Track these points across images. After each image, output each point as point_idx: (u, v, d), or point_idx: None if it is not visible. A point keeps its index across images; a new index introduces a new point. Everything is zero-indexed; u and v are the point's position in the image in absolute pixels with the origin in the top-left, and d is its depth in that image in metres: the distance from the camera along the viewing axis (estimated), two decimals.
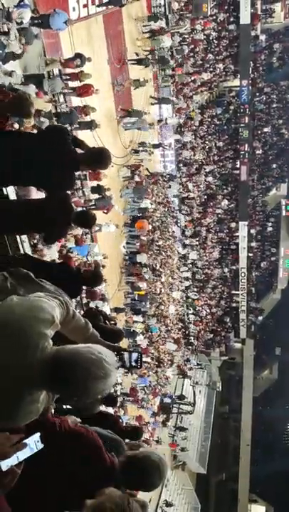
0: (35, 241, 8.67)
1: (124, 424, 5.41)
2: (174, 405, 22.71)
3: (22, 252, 4.35)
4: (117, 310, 16.00)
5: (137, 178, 17.80)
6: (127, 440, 3.23)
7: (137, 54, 17.55)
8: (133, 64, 17.06)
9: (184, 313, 25.93)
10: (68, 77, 11.19)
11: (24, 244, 4.56)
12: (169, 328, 22.29)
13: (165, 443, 21.12)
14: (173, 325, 23.18)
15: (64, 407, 4.74)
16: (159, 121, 20.67)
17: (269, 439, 32.55)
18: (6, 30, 8.35)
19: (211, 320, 28.59)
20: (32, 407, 1.39)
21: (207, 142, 25.21)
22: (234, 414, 31.53)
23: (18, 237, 4.53)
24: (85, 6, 12.60)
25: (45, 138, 3.01)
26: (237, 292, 29.04)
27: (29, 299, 1.54)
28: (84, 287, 4.55)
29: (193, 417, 24.72)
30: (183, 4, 20.40)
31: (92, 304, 11.59)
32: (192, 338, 26.67)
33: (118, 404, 13.60)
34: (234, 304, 29.75)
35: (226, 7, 22.88)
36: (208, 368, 28.70)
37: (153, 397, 19.19)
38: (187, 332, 26.18)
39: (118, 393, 14.77)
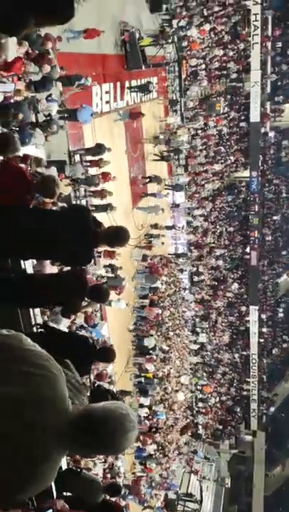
0: (46, 317, 8.70)
1: None
2: (180, 502, 21.04)
3: (39, 321, 4.39)
4: (122, 393, 15.49)
5: (148, 261, 18.20)
6: None
7: (160, 153, 19.11)
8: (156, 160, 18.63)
9: (192, 401, 24.92)
10: (88, 164, 11.93)
11: (37, 318, 4.60)
12: (177, 415, 21.34)
13: None
14: (181, 412, 22.20)
15: (64, 494, 4.49)
16: (172, 205, 21.60)
17: None
18: (34, 120, 9.12)
19: (220, 409, 27.36)
20: (51, 472, 1.39)
21: (218, 227, 25.95)
22: None
23: (31, 311, 4.59)
24: (107, 102, 13.90)
25: (68, 215, 3.20)
26: (248, 380, 28.08)
27: None
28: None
29: None
30: (197, 103, 22.15)
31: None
32: (200, 427, 25.38)
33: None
34: (245, 393, 28.62)
35: (237, 106, 24.73)
36: (216, 462, 26.90)
37: (158, 489, 17.94)
38: (195, 421, 24.96)
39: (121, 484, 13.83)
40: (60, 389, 1.43)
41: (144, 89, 16.28)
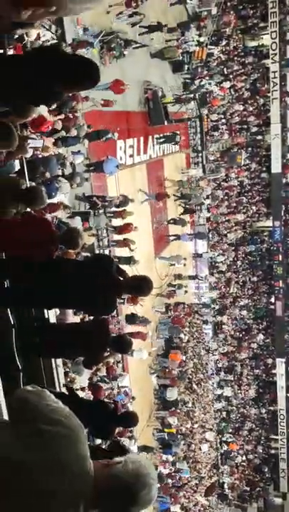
0: (67, 368, 8.61)
1: None
2: None
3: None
4: (145, 449, 14.89)
5: (171, 313, 18.02)
6: None
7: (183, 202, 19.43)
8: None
9: (218, 459, 23.69)
10: (112, 215, 12.18)
11: (59, 369, 4.54)
12: (202, 474, 20.27)
13: None
14: (207, 471, 21.10)
15: None
16: (195, 255, 21.64)
17: None
18: (60, 173, 9.45)
19: (247, 468, 25.89)
20: None
21: (241, 276, 25.72)
22: None
23: (53, 361, 4.55)
24: (131, 156, 14.41)
25: (91, 264, 3.23)
26: (276, 437, 26.67)
27: None
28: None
29: None
30: (219, 155, 22.67)
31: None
32: (226, 488, 23.98)
33: None
34: (273, 451, 27.11)
35: (258, 158, 25.18)
36: None
37: None
38: (221, 481, 23.62)
39: None
40: (79, 449, 1.37)
41: (172, 139, 17.03)
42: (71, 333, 3.55)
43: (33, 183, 6.73)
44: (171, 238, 18.56)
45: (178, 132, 17.69)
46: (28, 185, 5.28)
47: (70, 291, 3.01)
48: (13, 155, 5.00)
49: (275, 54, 22.13)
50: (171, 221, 18.24)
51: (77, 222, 9.54)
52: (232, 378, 24.51)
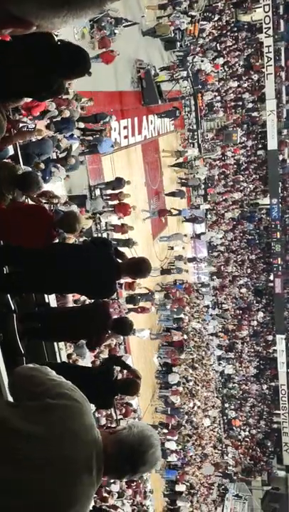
0: (71, 350, 8.66)
1: None
2: None
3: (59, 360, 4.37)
4: None
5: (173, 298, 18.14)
6: None
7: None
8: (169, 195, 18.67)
9: (221, 435, 24.12)
10: (109, 198, 12.12)
11: (61, 352, 4.59)
12: (205, 451, 20.68)
13: None
14: (211, 447, 21.52)
15: None
16: (193, 236, 21.62)
17: None
18: (55, 157, 9.34)
19: (250, 443, 26.39)
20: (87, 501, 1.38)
21: (239, 255, 25.77)
22: None
23: (56, 345, 4.59)
24: (126, 137, 14.24)
25: (90, 247, 3.24)
26: (278, 412, 27.13)
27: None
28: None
29: None
30: (214, 133, 22.45)
31: (123, 422, 11.13)
32: (231, 464, 24.46)
33: None
34: (275, 426, 27.62)
35: (254, 135, 24.95)
36: (248, 500, 25.66)
37: None
38: (225, 459, 24.09)
39: None
40: (86, 419, 1.42)
41: (172, 114, 16.88)
42: (72, 316, 3.58)
43: (29, 168, 6.67)
44: (174, 212, 18.42)
45: (177, 107, 17.53)
46: (24, 171, 5.24)
47: (70, 275, 3.02)
48: (11, 140, 4.93)
49: (269, 28, 21.74)
50: (171, 194, 18.12)
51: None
52: (233, 356, 24.77)
